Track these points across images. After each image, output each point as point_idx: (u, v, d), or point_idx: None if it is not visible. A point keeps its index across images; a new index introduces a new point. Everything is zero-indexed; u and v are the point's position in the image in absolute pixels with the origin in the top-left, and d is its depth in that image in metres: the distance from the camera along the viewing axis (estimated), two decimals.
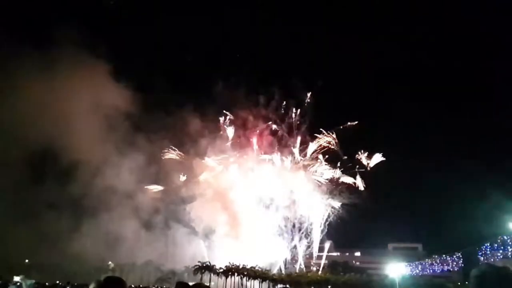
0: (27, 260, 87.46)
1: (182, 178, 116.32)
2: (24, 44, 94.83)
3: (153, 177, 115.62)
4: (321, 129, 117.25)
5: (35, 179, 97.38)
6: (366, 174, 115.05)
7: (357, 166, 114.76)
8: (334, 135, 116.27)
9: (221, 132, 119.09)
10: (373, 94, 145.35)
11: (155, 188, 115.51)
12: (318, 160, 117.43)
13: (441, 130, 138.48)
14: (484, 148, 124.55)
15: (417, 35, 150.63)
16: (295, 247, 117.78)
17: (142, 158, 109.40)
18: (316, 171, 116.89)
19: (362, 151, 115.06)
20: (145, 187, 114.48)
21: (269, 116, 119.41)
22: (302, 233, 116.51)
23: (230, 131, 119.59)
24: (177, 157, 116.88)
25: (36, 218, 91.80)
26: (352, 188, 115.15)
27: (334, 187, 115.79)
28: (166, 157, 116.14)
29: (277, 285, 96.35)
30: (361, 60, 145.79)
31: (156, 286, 72.96)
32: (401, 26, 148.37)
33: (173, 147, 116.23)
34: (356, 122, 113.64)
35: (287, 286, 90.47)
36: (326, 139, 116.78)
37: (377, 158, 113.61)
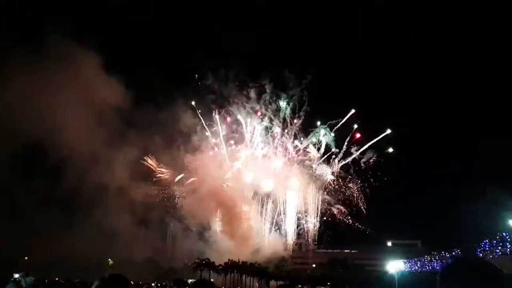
0: (26, 258, 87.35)
1: (178, 175, 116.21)
2: (14, 37, 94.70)
3: (146, 173, 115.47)
4: (317, 124, 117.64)
5: (29, 176, 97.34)
6: (365, 171, 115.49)
7: (350, 160, 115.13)
8: (328, 130, 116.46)
9: (214, 128, 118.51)
10: (370, 89, 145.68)
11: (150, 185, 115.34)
12: (313, 156, 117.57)
13: (440, 127, 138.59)
14: (484, 145, 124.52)
15: (411, 29, 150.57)
16: (294, 243, 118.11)
17: (134, 154, 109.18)
18: (311, 166, 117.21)
19: (356, 146, 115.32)
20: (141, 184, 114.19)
21: (261, 110, 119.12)
22: (301, 229, 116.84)
23: (222, 126, 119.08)
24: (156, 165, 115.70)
25: (34, 215, 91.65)
26: (348, 183, 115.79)
27: (330, 183, 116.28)
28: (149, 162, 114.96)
29: (276, 281, 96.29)
30: (354, 54, 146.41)
31: (156, 283, 72.78)
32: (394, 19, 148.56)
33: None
34: (350, 115, 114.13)
35: (287, 282, 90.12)
36: (320, 134, 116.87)
37: (371, 154, 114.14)
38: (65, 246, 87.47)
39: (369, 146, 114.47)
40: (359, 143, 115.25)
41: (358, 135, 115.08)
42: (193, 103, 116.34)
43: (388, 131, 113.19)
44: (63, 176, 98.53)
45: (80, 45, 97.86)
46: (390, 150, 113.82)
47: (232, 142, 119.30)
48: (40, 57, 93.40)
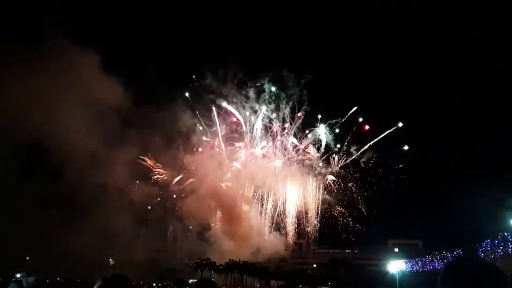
0: (27, 258, 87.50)
1: (177, 175, 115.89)
2: (13, 37, 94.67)
3: (146, 173, 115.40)
4: (316, 123, 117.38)
5: (30, 175, 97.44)
6: (365, 170, 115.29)
7: (351, 160, 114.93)
8: (328, 129, 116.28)
9: (213, 129, 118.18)
10: (368, 87, 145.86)
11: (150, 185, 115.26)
12: (312, 155, 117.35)
13: (440, 127, 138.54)
14: (485, 144, 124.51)
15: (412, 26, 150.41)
16: (294, 243, 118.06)
17: (134, 154, 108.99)
18: (311, 166, 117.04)
19: (357, 146, 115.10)
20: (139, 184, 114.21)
21: (260, 109, 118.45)
22: (301, 229, 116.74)
23: (221, 125, 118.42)
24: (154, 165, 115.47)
25: (35, 215, 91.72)
26: (348, 182, 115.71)
27: (331, 183, 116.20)
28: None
29: (276, 281, 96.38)
30: (353, 53, 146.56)
31: (157, 283, 73.04)
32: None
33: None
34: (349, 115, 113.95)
35: (288, 282, 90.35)
36: (320, 133, 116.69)
37: (371, 154, 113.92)
38: (66, 246, 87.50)
39: (371, 145, 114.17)
40: (361, 142, 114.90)
41: (366, 127, 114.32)
42: (187, 94, 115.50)
43: (400, 124, 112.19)
44: (64, 176, 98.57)
45: (79, 45, 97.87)
46: (406, 147, 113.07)
47: (231, 141, 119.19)
48: (40, 57, 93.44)
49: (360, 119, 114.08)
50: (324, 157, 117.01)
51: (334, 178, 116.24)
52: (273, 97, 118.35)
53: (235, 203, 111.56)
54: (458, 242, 78.89)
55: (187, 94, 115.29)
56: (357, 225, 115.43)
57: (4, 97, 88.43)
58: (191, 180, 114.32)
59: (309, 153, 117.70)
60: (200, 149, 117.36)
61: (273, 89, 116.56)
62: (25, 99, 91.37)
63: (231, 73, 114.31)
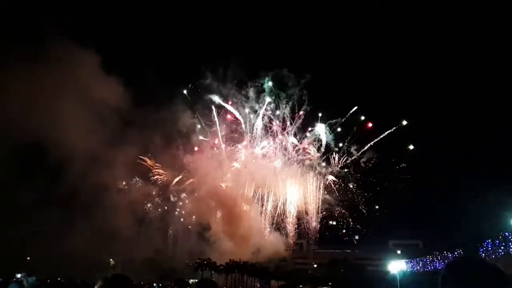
0: (28, 258, 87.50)
1: (177, 176, 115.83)
2: (13, 37, 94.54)
3: (146, 173, 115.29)
4: (316, 123, 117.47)
5: (30, 175, 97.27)
6: (364, 169, 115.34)
7: (349, 160, 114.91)
8: (328, 129, 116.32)
9: (213, 128, 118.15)
10: (367, 87, 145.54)
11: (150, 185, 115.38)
12: (313, 155, 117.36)
13: (440, 126, 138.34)
14: (485, 144, 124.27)
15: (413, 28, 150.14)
16: (294, 243, 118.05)
17: (134, 155, 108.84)
18: (312, 166, 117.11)
19: (357, 146, 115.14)
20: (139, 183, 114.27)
21: (260, 109, 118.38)
22: (302, 229, 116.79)
23: (221, 125, 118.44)
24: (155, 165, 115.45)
25: (36, 215, 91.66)
26: (349, 182, 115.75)
27: (331, 183, 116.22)
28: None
29: (277, 281, 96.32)
30: (353, 53, 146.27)
31: (157, 283, 72.99)
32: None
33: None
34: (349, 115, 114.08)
35: (288, 283, 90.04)
36: (320, 133, 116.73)
37: (371, 154, 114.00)
38: (66, 246, 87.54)
39: (372, 145, 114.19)
40: (362, 141, 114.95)
41: (370, 124, 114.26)
42: (186, 93, 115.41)
43: (404, 122, 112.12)
44: (64, 176, 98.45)
45: (79, 45, 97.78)
46: (411, 147, 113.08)
47: (231, 141, 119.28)
48: (39, 56, 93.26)
49: (362, 117, 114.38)
50: (324, 157, 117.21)
51: (334, 178, 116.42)
52: (273, 97, 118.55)
53: (235, 203, 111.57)
54: (459, 242, 78.88)
55: (186, 93, 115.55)
56: (357, 225, 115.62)
57: (4, 97, 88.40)
58: (191, 180, 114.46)
59: (309, 153, 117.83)
60: (200, 149, 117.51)
61: (270, 84, 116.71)
62: (25, 99, 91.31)
63: (231, 73, 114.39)
